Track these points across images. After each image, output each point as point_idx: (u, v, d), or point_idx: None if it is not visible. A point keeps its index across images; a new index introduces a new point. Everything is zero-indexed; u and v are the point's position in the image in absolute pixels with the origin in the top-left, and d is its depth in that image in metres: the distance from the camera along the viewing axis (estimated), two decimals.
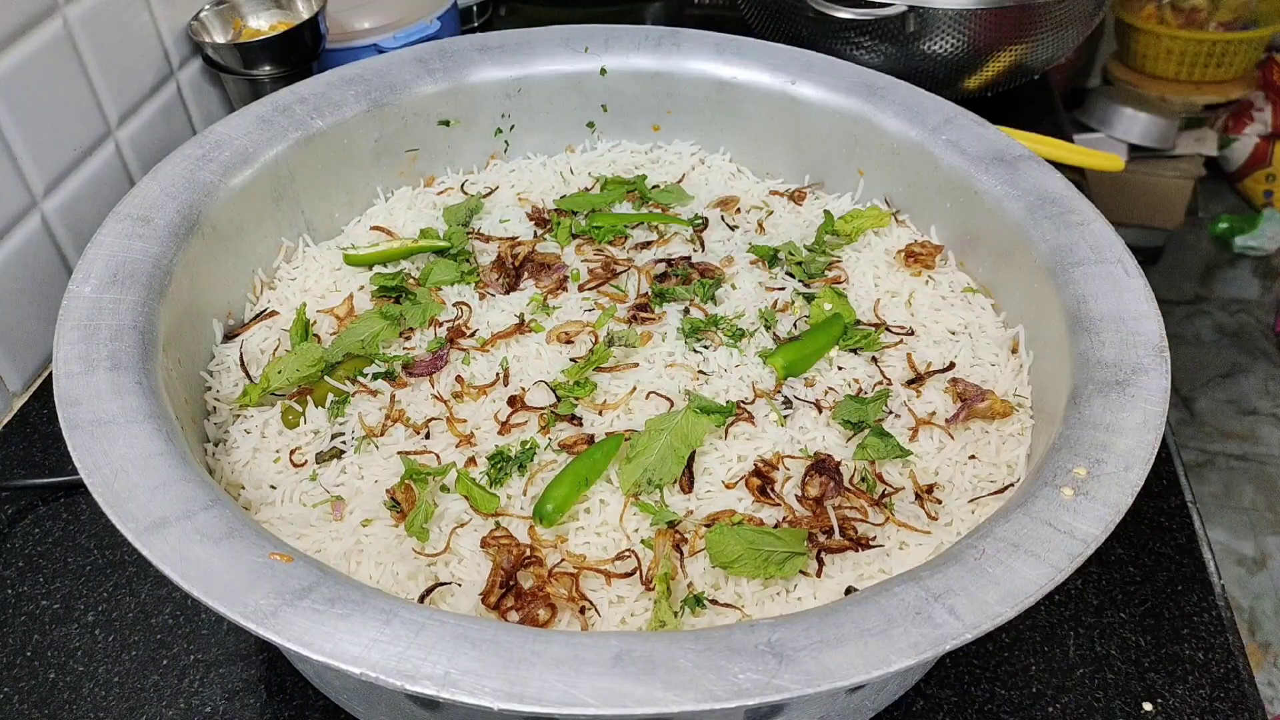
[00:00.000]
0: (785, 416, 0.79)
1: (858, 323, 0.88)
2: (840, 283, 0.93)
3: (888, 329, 0.88)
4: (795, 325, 0.88)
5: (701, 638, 0.53)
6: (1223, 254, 3.17)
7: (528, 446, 0.76)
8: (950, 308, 0.91)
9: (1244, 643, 0.83)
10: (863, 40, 1.27)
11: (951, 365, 0.85)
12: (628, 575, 0.68)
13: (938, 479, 0.76)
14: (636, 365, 0.83)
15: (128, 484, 0.59)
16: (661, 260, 0.94)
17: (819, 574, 0.69)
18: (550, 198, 1.05)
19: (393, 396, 0.80)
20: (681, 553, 0.69)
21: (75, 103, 1.01)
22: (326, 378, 0.81)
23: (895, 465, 0.77)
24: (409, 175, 1.05)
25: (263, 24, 1.25)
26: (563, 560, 0.69)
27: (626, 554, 0.69)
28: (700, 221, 1.00)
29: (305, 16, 1.23)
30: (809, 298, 0.90)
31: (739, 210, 1.03)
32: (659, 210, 1.02)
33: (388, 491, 0.72)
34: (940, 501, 0.75)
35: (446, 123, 1.04)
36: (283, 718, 0.72)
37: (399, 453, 0.75)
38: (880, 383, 0.83)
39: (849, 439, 0.78)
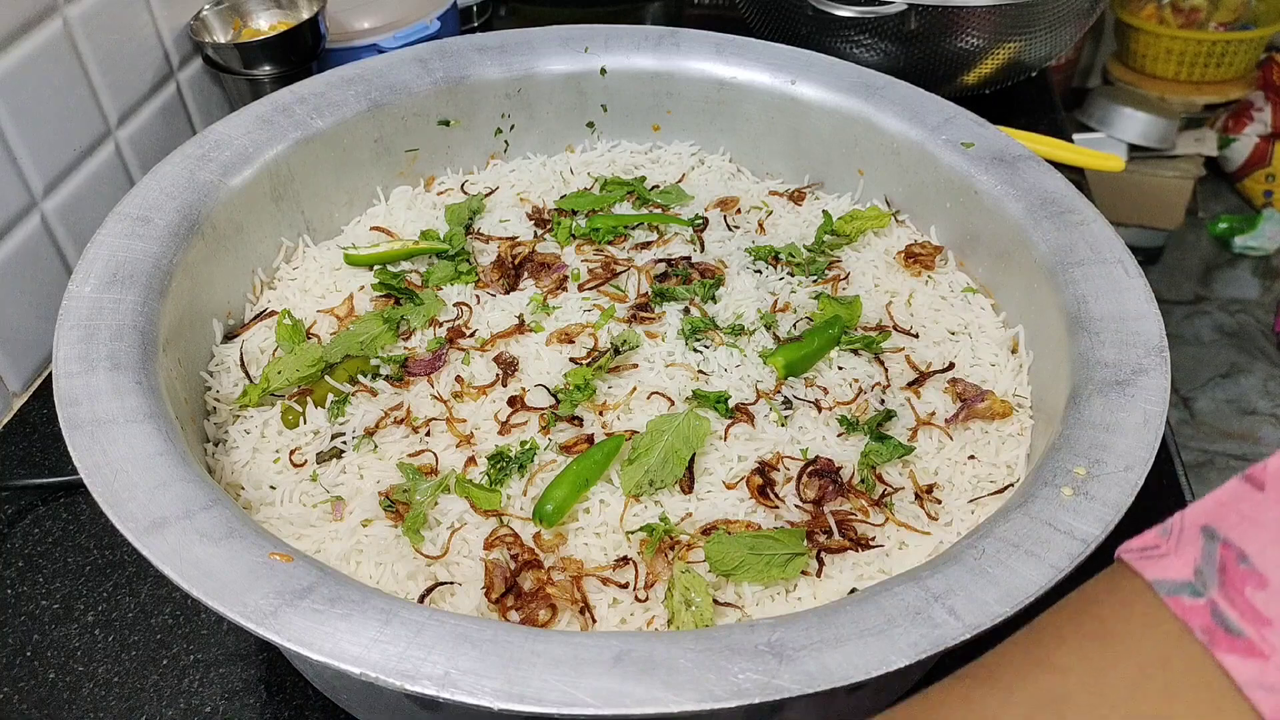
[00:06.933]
0: (785, 417, 0.79)
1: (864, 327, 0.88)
2: (840, 281, 0.93)
3: (895, 329, 0.88)
4: (795, 325, 0.88)
5: (701, 637, 0.53)
6: (1223, 254, 3.17)
7: (528, 447, 0.76)
8: (950, 308, 0.91)
9: None
10: (862, 39, 1.27)
11: (951, 365, 0.85)
12: (624, 586, 0.67)
13: (937, 479, 0.76)
14: (636, 366, 0.83)
15: (128, 484, 0.59)
16: (661, 260, 0.94)
17: (819, 574, 0.69)
18: (550, 198, 1.04)
19: (393, 396, 0.80)
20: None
21: (75, 103, 1.01)
22: (326, 378, 0.81)
23: (895, 465, 0.77)
24: (409, 175, 1.05)
25: (263, 24, 1.25)
26: (560, 567, 0.69)
27: (625, 562, 0.69)
28: (700, 221, 1.00)
29: (305, 16, 1.23)
30: (813, 296, 0.90)
31: (739, 210, 1.03)
32: (659, 210, 1.02)
33: (381, 493, 0.72)
34: (940, 501, 0.75)
35: (446, 123, 1.04)
36: (283, 718, 0.72)
37: (397, 463, 0.75)
38: (879, 383, 0.83)
39: (846, 439, 0.78)
